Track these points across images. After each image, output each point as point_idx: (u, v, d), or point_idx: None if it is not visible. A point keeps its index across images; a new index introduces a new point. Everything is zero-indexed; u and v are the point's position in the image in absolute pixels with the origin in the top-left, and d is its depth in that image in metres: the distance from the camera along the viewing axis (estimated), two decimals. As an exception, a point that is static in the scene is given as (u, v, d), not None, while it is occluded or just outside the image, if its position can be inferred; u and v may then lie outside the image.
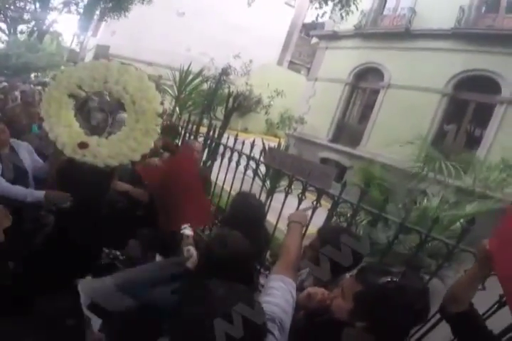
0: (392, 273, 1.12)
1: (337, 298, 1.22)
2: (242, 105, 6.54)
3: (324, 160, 12.15)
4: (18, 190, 2.52)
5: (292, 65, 26.39)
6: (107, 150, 2.54)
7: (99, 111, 3.55)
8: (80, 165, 2.56)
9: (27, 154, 2.79)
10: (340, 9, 8.68)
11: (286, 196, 2.79)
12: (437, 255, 2.74)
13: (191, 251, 1.91)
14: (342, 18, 8.81)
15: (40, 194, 2.54)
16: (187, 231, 2.26)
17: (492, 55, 8.90)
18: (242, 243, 1.58)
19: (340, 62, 12.37)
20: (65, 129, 2.58)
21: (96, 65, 2.59)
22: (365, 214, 2.52)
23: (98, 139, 2.61)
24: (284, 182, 3.72)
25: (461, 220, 3.48)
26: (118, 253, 2.58)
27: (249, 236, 1.93)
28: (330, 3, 8.80)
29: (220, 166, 3.73)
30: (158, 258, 2.55)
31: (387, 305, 1.07)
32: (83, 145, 2.51)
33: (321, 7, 8.49)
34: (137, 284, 1.59)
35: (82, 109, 2.84)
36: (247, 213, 2.24)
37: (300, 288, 1.76)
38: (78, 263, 2.49)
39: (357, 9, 9.05)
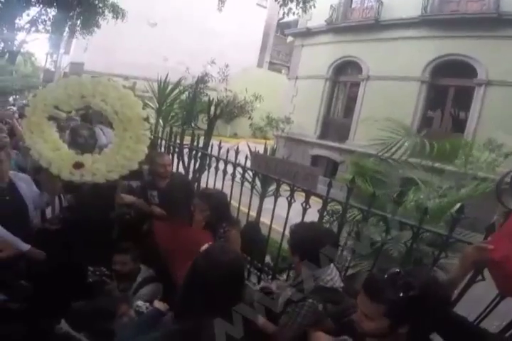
0: (403, 279, 1.13)
1: (364, 322, 1.19)
2: (224, 112, 6.49)
3: (315, 157, 12.17)
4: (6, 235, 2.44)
5: (272, 66, 26.47)
6: (104, 166, 2.52)
7: (84, 128, 3.50)
8: (80, 185, 2.55)
9: (25, 186, 2.69)
10: (302, 4, 8.66)
11: (275, 200, 2.79)
12: (435, 243, 2.73)
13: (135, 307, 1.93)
14: (304, 12, 8.81)
15: (25, 247, 2.47)
16: None
17: (461, 39, 9.03)
18: (224, 252, 1.53)
19: (317, 59, 12.44)
20: (55, 153, 2.54)
21: (68, 82, 2.54)
22: (358, 210, 2.49)
23: (91, 156, 2.58)
24: (274, 186, 3.70)
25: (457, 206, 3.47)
26: (104, 269, 2.54)
27: None
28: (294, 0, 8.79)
29: (208, 174, 3.71)
30: (143, 268, 2.52)
31: (421, 308, 1.11)
32: (79, 165, 2.48)
33: (285, 5, 8.48)
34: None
35: (65, 129, 2.79)
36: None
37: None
38: (73, 284, 2.48)
39: (314, 7, 9.06)
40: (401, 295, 1.10)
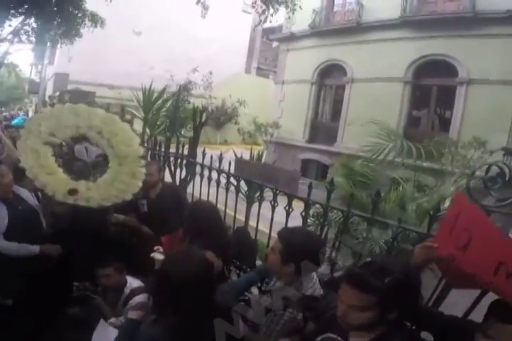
0: (386, 266, 1.20)
1: (352, 315, 1.19)
2: (209, 119, 6.49)
3: (306, 161, 12.23)
4: (11, 247, 2.51)
5: (260, 71, 26.57)
6: (97, 194, 2.54)
7: (77, 160, 3.52)
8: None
9: (29, 197, 2.77)
10: (286, 9, 8.76)
11: (259, 204, 2.81)
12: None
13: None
14: (289, 17, 8.90)
15: (35, 249, 2.57)
16: (157, 255, 2.23)
17: (441, 39, 9.21)
18: (191, 259, 1.56)
19: (303, 63, 12.55)
20: (50, 177, 2.55)
21: (63, 111, 2.54)
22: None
23: (86, 183, 2.59)
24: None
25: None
26: (87, 284, 2.54)
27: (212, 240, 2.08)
28: (275, 6, 8.87)
29: (194, 181, 3.73)
30: (129, 279, 2.52)
31: (407, 292, 1.18)
32: (73, 192, 2.52)
33: (263, 13, 8.58)
34: None
35: (62, 155, 2.85)
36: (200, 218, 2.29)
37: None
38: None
39: (301, 8, 9.17)
40: (390, 281, 1.14)
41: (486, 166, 1.77)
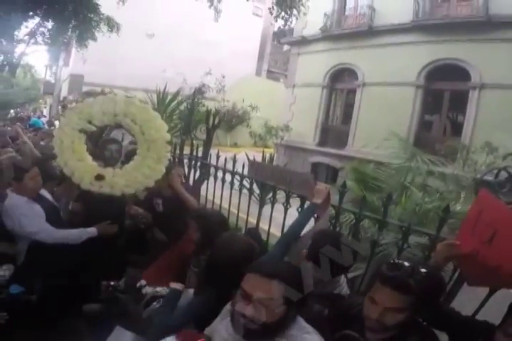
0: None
1: (388, 317, 1.21)
2: (222, 121, 6.58)
3: (315, 165, 12.24)
4: (71, 233, 2.66)
5: (271, 74, 26.67)
6: (123, 180, 2.70)
7: (113, 142, 3.75)
8: (97, 195, 2.73)
9: (49, 194, 2.90)
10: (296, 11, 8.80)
11: (272, 206, 2.87)
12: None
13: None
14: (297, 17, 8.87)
15: (93, 230, 2.72)
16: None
17: (453, 43, 9.18)
18: (233, 241, 1.80)
19: (314, 66, 12.59)
20: (79, 163, 2.72)
21: (104, 100, 2.77)
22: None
23: (113, 170, 2.78)
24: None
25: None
26: (115, 283, 2.58)
27: None
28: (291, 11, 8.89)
29: (207, 183, 3.82)
30: None
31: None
32: (100, 178, 2.66)
33: (279, 16, 8.63)
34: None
35: (96, 142, 2.97)
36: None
37: None
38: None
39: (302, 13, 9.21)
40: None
41: (496, 171, 1.82)
